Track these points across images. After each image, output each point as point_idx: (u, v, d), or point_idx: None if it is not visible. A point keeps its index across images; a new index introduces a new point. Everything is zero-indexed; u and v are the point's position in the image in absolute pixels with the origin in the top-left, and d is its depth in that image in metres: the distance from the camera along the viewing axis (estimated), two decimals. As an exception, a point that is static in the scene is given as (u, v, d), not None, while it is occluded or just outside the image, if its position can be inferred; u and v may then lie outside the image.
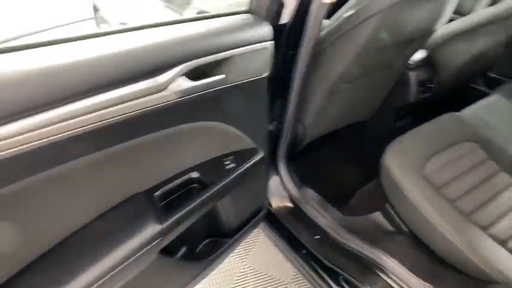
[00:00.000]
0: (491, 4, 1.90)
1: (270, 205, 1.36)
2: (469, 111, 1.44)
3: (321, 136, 1.56)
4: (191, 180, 0.80)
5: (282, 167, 1.36)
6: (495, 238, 1.04)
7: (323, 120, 1.44)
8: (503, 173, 1.23)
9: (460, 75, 1.72)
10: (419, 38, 1.34)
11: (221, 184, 0.83)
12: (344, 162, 1.74)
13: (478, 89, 2.09)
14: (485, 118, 1.41)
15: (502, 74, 2.01)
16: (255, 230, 1.38)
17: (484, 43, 1.58)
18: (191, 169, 0.80)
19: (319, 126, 1.47)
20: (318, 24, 1.01)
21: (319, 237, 1.24)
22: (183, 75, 0.64)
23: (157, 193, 0.73)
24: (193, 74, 0.65)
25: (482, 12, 1.56)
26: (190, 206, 0.76)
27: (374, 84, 1.47)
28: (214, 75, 0.71)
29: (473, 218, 1.08)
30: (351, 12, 1.09)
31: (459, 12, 2.14)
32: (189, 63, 0.63)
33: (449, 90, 1.84)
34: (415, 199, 1.08)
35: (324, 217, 1.26)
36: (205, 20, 0.77)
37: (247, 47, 0.74)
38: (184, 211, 0.74)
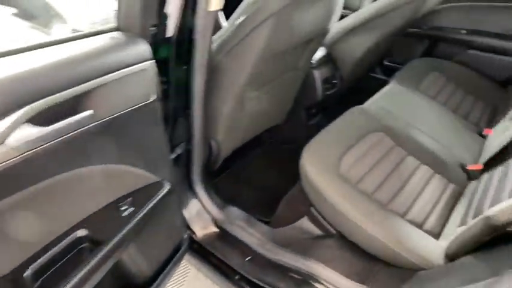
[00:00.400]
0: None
1: (194, 234, 1.25)
2: (371, 102, 1.49)
3: (238, 147, 1.49)
4: (78, 241, 0.65)
5: (200, 190, 1.25)
6: (413, 222, 1.06)
7: (236, 132, 1.37)
8: (410, 156, 1.29)
9: (359, 67, 1.80)
10: (317, 37, 1.34)
11: (120, 235, 0.69)
12: (266, 169, 1.70)
13: (378, 78, 2.22)
14: (386, 106, 1.47)
15: (395, 61, 2.17)
16: (183, 263, 1.25)
17: (376, 35, 1.66)
18: (75, 227, 0.65)
19: (233, 139, 1.39)
20: (209, 34, 0.93)
21: (250, 258, 1.16)
22: (27, 121, 0.49)
23: (28, 272, 0.57)
24: (48, 116, 0.52)
25: (370, 7, 1.64)
26: (80, 275, 0.61)
27: (282, 87, 1.45)
28: (81, 111, 0.57)
29: (392, 207, 1.10)
30: (242, 18, 1.03)
31: (350, 8, 2.26)
32: (34, 105, 0.49)
33: (353, 82, 1.91)
34: (335, 200, 1.06)
35: (252, 235, 1.19)
36: (65, 44, 0.63)
37: (119, 72, 0.62)
38: (71, 284, 0.60)
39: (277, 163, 1.72)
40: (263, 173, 1.65)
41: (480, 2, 1.90)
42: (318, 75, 1.62)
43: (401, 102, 1.53)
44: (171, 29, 0.88)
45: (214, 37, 1.11)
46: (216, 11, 0.92)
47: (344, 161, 1.18)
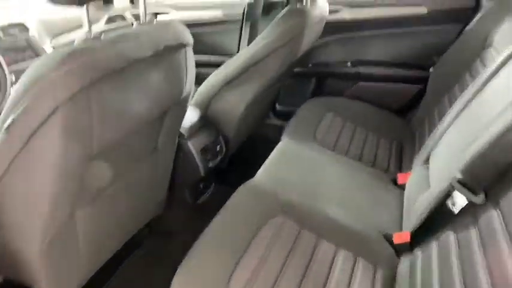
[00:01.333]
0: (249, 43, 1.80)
1: None
2: (264, 171, 1.18)
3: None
4: None
5: None
6: None
7: (74, 263, 0.91)
8: (322, 240, 0.98)
9: (245, 123, 1.50)
10: (173, 106, 0.98)
11: None
12: (152, 283, 1.24)
13: (273, 124, 1.97)
14: (282, 174, 1.17)
15: (287, 103, 1.95)
16: None
17: (256, 84, 1.39)
18: None
19: (74, 272, 0.93)
20: None
21: None
22: None
23: None
24: None
25: (241, 56, 1.38)
26: None
27: (139, 181, 1.04)
28: None
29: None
30: (11, 118, 0.62)
31: (228, 53, 2.00)
32: None
33: (241, 141, 1.61)
34: None
35: None
36: None
37: None
38: None
39: (166, 265, 1.28)
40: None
41: (356, 32, 1.79)
42: (193, 147, 1.26)
43: (299, 164, 1.24)
44: None
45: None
46: None
47: (236, 278, 0.82)
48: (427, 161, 1.14)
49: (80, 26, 1.91)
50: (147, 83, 0.78)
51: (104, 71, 0.65)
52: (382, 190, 1.22)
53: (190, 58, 0.93)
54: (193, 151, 1.26)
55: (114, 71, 0.67)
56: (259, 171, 1.18)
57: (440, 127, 1.12)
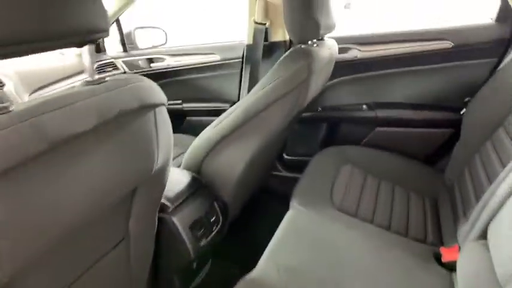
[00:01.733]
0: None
1: None
2: (268, 259, 0.91)
3: None
4: None
5: None
6: None
7: None
8: None
9: (246, 181, 1.26)
10: (142, 183, 0.75)
11: None
12: None
13: (280, 176, 1.73)
14: (291, 261, 0.91)
15: (296, 153, 1.72)
16: None
17: (258, 137, 1.16)
18: None
19: None
20: None
21: None
22: None
23: None
24: None
25: (241, 104, 1.16)
26: None
27: (104, 278, 0.79)
28: None
29: None
30: None
31: (229, 101, 1.80)
32: None
33: (244, 199, 1.36)
34: None
35: None
36: None
37: None
38: None
39: None
40: None
41: (371, 71, 1.57)
42: (179, 223, 1.01)
43: (313, 245, 0.97)
44: None
45: None
46: None
47: None
48: (482, 236, 0.86)
49: (62, 79, 1.72)
50: (91, 164, 0.55)
51: (8, 160, 0.42)
52: (424, 274, 0.93)
53: (163, 121, 0.70)
54: (180, 228, 1.00)
55: (29, 158, 0.45)
56: (264, 257, 0.91)
57: (498, 190, 0.85)
